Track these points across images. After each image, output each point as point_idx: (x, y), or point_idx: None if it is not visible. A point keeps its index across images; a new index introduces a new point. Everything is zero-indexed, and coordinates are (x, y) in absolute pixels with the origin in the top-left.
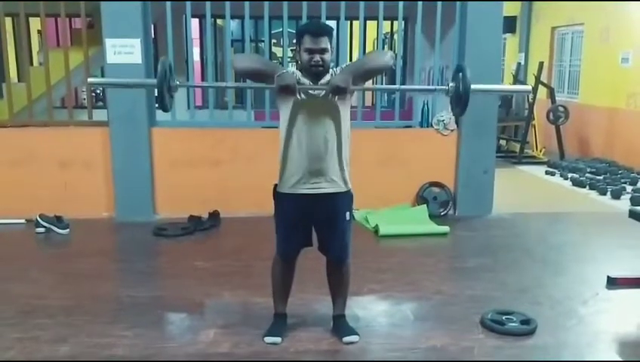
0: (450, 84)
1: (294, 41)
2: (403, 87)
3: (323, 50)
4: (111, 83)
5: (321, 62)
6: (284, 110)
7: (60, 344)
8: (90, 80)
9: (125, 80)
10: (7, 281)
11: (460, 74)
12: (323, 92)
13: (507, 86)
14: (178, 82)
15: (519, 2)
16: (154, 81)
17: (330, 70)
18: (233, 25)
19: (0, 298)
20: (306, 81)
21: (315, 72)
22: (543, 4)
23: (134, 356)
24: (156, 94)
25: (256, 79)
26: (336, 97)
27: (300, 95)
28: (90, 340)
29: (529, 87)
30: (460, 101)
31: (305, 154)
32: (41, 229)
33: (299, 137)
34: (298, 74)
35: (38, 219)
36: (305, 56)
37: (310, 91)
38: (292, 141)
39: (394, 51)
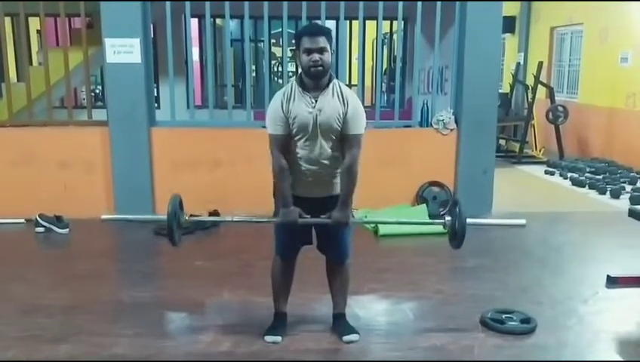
0: (447, 218)
1: (293, 41)
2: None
3: (321, 50)
4: (124, 219)
5: (320, 62)
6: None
7: (60, 343)
8: (103, 217)
9: (138, 216)
10: (7, 281)
11: (457, 208)
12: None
13: (499, 220)
14: (187, 218)
15: (518, 2)
16: (164, 217)
17: (334, 82)
18: (232, 25)
19: (0, 297)
20: (306, 99)
21: (314, 73)
22: (542, 4)
23: (134, 355)
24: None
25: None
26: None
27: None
28: (90, 339)
29: (522, 221)
30: (457, 235)
31: (304, 170)
32: (41, 229)
33: (297, 158)
34: (296, 91)
35: (38, 218)
36: (304, 58)
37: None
38: (292, 156)
39: (394, 52)
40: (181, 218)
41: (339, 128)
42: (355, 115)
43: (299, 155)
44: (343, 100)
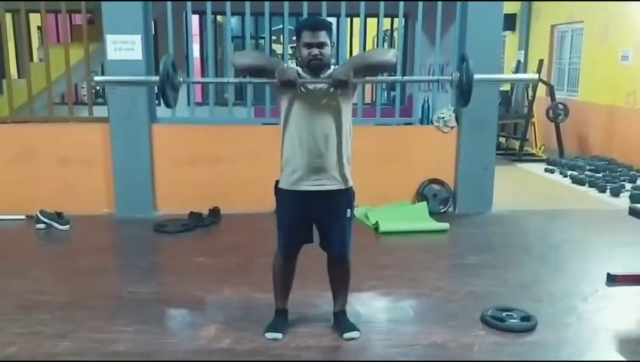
0: (455, 74)
1: (294, 37)
2: (406, 78)
3: (321, 44)
4: (115, 81)
5: (319, 56)
6: (285, 106)
7: (61, 339)
8: (96, 78)
9: (129, 77)
10: (7, 277)
11: (464, 63)
12: (324, 87)
13: (511, 75)
14: (181, 79)
15: (519, 0)
16: (157, 78)
17: (331, 67)
18: (233, 21)
19: (1, 293)
20: (307, 78)
21: (314, 66)
22: (542, 2)
23: (135, 352)
24: (157, 91)
25: (257, 76)
26: (338, 91)
27: (300, 89)
28: (91, 336)
29: (535, 76)
30: (464, 90)
31: (305, 150)
32: (42, 225)
33: (299, 134)
34: (299, 70)
35: (39, 215)
36: (304, 51)
37: (311, 87)
38: (293, 138)
39: (395, 49)
40: (174, 78)
41: (339, 96)
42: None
43: (302, 137)
44: None
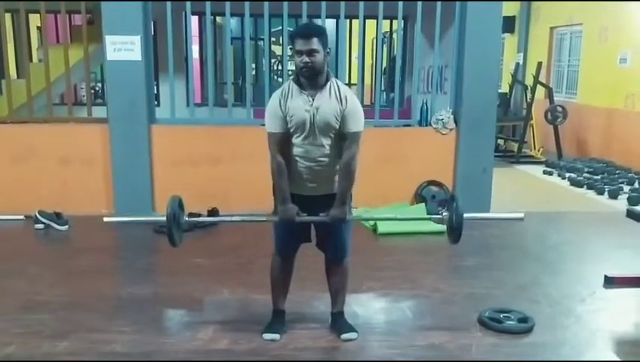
0: (444, 214)
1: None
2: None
3: (311, 52)
4: (124, 221)
5: (310, 63)
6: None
7: (59, 339)
8: (105, 219)
9: (137, 218)
10: (6, 277)
11: (454, 203)
12: (329, 121)
13: (497, 214)
14: (187, 218)
15: (518, 2)
16: (163, 218)
17: (331, 80)
18: (233, 23)
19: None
20: (303, 97)
21: (305, 73)
22: (541, 4)
23: (134, 352)
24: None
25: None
26: (338, 119)
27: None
28: (89, 336)
29: (521, 215)
30: (454, 229)
31: (302, 171)
32: (41, 225)
33: (296, 157)
34: (294, 89)
35: (38, 215)
36: (296, 59)
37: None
38: (291, 151)
39: (394, 51)
40: (181, 219)
41: (337, 126)
42: (353, 112)
43: (297, 154)
44: (341, 99)
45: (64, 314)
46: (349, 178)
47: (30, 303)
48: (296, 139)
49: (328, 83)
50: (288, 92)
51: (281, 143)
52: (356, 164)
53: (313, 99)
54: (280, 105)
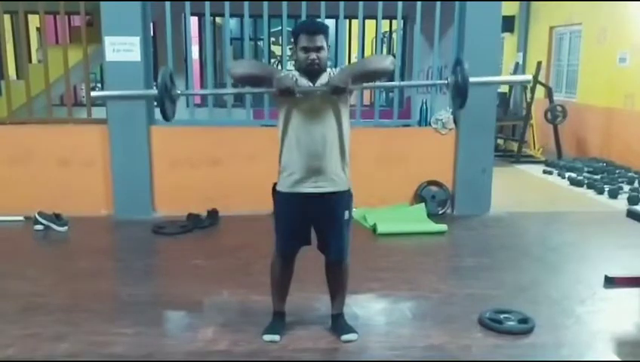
0: (450, 77)
1: (292, 39)
2: (403, 83)
3: (319, 49)
4: (113, 96)
5: (317, 60)
6: (283, 110)
7: (59, 341)
8: (93, 94)
9: (127, 92)
10: (6, 278)
11: (459, 67)
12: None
13: (505, 77)
14: (179, 91)
15: (517, 2)
16: (155, 91)
17: (328, 69)
18: (232, 23)
19: None
20: (304, 82)
21: (311, 70)
22: (541, 3)
23: (133, 354)
24: (155, 103)
25: (254, 85)
26: (336, 96)
27: (298, 95)
28: (89, 338)
29: (529, 77)
30: (460, 93)
31: (304, 153)
32: (40, 227)
33: (297, 136)
34: (296, 75)
35: (37, 216)
36: (301, 55)
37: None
38: (291, 140)
39: (393, 51)
40: (172, 90)
41: (337, 100)
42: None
43: (301, 139)
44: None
45: (63, 316)
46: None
47: (30, 305)
48: (300, 120)
49: (325, 73)
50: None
51: (288, 101)
52: (379, 62)
53: (314, 84)
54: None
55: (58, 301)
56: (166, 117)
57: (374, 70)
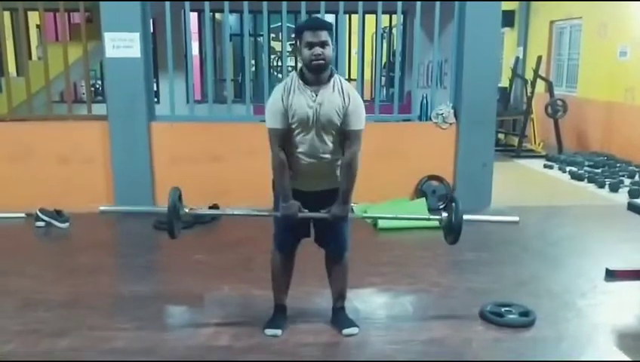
0: (444, 214)
1: (293, 35)
2: (400, 216)
3: (323, 44)
4: (123, 210)
5: (322, 55)
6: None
7: (60, 337)
8: (101, 208)
9: (136, 208)
10: (7, 275)
11: (453, 204)
12: (331, 118)
13: (492, 217)
14: (187, 210)
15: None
16: (164, 209)
17: (335, 77)
18: (232, 19)
19: (0, 291)
20: (307, 93)
21: (315, 67)
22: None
23: (134, 349)
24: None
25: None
26: (340, 117)
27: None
28: (90, 333)
29: (516, 218)
30: (453, 230)
31: (305, 158)
32: (41, 223)
33: (298, 141)
34: (297, 83)
35: (38, 213)
36: (305, 52)
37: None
38: (292, 147)
39: (393, 46)
40: (180, 211)
41: (339, 123)
42: (355, 110)
43: (299, 150)
44: (344, 95)
45: (64, 312)
46: (350, 177)
47: (30, 301)
48: (297, 136)
49: (332, 79)
50: (291, 86)
51: (282, 139)
52: (358, 163)
53: (316, 95)
54: (282, 101)
55: (59, 297)
56: (172, 236)
57: (356, 174)
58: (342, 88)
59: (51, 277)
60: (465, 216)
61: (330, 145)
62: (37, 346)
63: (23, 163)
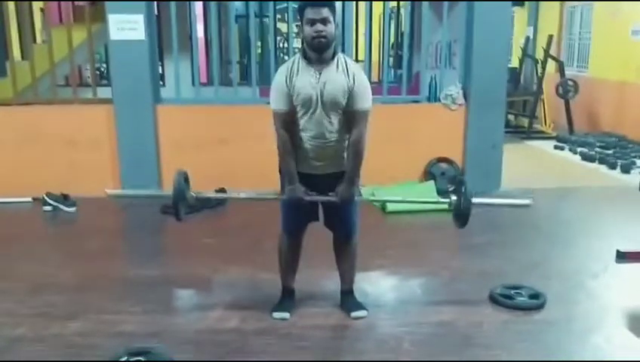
0: (452, 198)
1: (298, 17)
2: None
3: (324, 20)
4: (129, 195)
5: (323, 32)
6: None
7: (69, 320)
8: (108, 191)
9: (142, 192)
10: (16, 259)
11: (462, 187)
12: (336, 98)
13: (504, 200)
14: (194, 194)
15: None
16: (169, 193)
17: (339, 55)
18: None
19: (9, 275)
20: (310, 72)
21: (317, 45)
22: None
23: (143, 332)
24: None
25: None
26: (346, 95)
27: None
28: (98, 317)
29: (527, 201)
30: (461, 215)
31: (311, 140)
32: (48, 207)
33: (304, 124)
34: (300, 63)
35: (45, 197)
36: (307, 29)
37: (324, 91)
38: (298, 129)
39: (401, 26)
40: (186, 193)
41: (344, 103)
42: (361, 89)
43: (304, 132)
44: (349, 74)
45: (73, 296)
46: (357, 158)
47: (39, 285)
48: (302, 117)
49: (335, 57)
50: (294, 67)
51: (287, 121)
52: (365, 143)
53: (320, 74)
54: (286, 82)
55: (67, 280)
56: (178, 218)
57: (363, 155)
58: (346, 67)
59: (60, 261)
60: (475, 200)
61: (336, 125)
62: (47, 330)
63: (28, 147)
